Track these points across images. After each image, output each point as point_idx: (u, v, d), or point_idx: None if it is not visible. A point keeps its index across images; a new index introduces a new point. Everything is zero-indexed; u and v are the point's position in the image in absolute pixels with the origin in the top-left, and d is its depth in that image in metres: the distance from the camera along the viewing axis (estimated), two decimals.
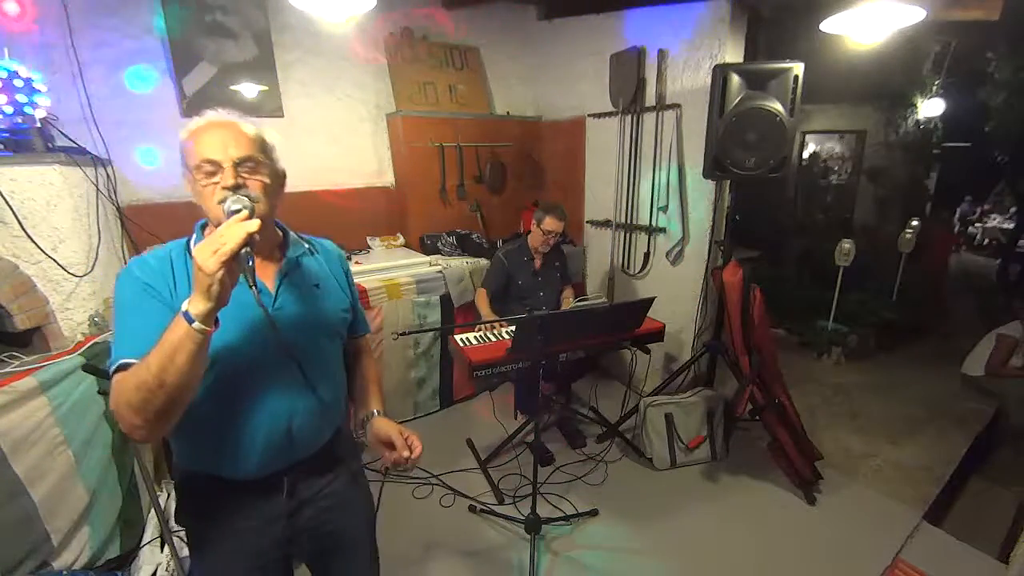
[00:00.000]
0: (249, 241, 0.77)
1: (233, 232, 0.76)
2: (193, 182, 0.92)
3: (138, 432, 0.83)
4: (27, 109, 1.85)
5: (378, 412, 1.22)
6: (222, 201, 0.87)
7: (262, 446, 0.99)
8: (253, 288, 0.81)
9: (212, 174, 0.90)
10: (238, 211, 0.83)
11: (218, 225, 0.89)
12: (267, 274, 1.00)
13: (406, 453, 1.11)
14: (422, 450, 1.14)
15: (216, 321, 0.80)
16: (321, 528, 1.13)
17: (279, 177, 1.00)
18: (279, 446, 1.01)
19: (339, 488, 1.16)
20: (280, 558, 1.10)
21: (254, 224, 0.78)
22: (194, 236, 1.00)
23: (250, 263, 0.80)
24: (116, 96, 2.45)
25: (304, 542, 1.12)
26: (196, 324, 0.76)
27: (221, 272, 0.75)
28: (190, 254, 0.95)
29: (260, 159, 0.94)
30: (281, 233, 1.07)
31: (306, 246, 1.11)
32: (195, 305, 0.76)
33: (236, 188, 0.89)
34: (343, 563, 1.22)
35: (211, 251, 0.74)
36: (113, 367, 0.85)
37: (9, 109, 1.82)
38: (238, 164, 0.91)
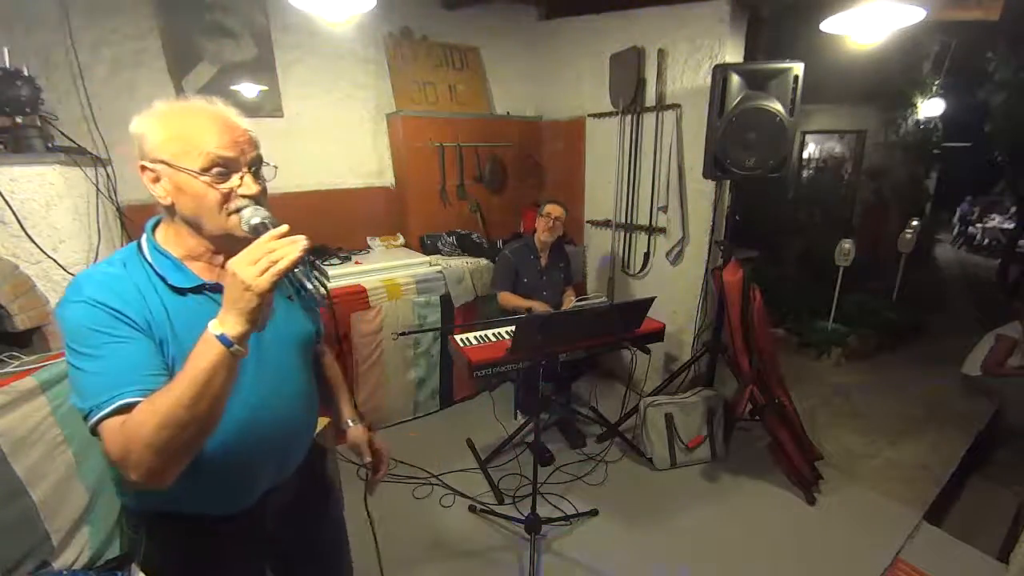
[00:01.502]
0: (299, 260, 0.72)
1: (288, 249, 0.70)
2: (187, 181, 0.79)
3: (157, 477, 0.72)
4: (28, 109, 1.85)
5: (352, 422, 1.22)
6: (236, 211, 0.81)
7: (262, 474, 0.95)
8: (328, 301, 0.77)
9: (225, 176, 0.80)
10: (261, 225, 0.78)
11: (219, 235, 0.83)
12: None
13: (368, 458, 1.18)
14: (385, 472, 1.21)
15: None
16: (298, 539, 1.12)
17: None
18: (274, 472, 0.98)
19: (312, 498, 1.15)
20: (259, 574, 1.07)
21: (304, 240, 0.72)
22: (145, 241, 0.86)
23: (314, 277, 0.80)
24: (116, 96, 2.45)
25: (283, 556, 1.10)
26: (235, 347, 0.70)
27: (270, 292, 0.70)
28: (153, 269, 0.84)
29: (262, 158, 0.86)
30: None
31: None
32: (233, 327, 0.70)
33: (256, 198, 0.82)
34: (320, 571, 1.21)
35: (259, 269, 0.68)
36: (107, 409, 0.72)
37: (13, 109, 1.82)
38: (252, 167, 0.83)
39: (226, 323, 0.70)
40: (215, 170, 0.80)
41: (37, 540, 1.62)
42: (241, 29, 2.77)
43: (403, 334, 1.69)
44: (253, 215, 0.80)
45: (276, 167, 0.88)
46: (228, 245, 0.84)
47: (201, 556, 0.95)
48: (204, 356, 0.70)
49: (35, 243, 1.81)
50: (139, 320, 0.78)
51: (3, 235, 1.77)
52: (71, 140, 2.16)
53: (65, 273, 1.90)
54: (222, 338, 0.70)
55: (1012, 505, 2.47)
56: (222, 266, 0.86)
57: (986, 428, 3.00)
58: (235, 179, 0.82)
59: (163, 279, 0.83)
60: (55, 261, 1.87)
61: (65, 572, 1.65)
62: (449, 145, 3.36)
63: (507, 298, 2.76)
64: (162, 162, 0.80)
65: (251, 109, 2.83)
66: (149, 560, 0.95)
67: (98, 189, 2.16)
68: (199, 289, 0.85)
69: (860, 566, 2.00)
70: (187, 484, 0.79)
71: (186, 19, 2.60)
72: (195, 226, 0.84)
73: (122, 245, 2.41)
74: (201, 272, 0.87)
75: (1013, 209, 8.35)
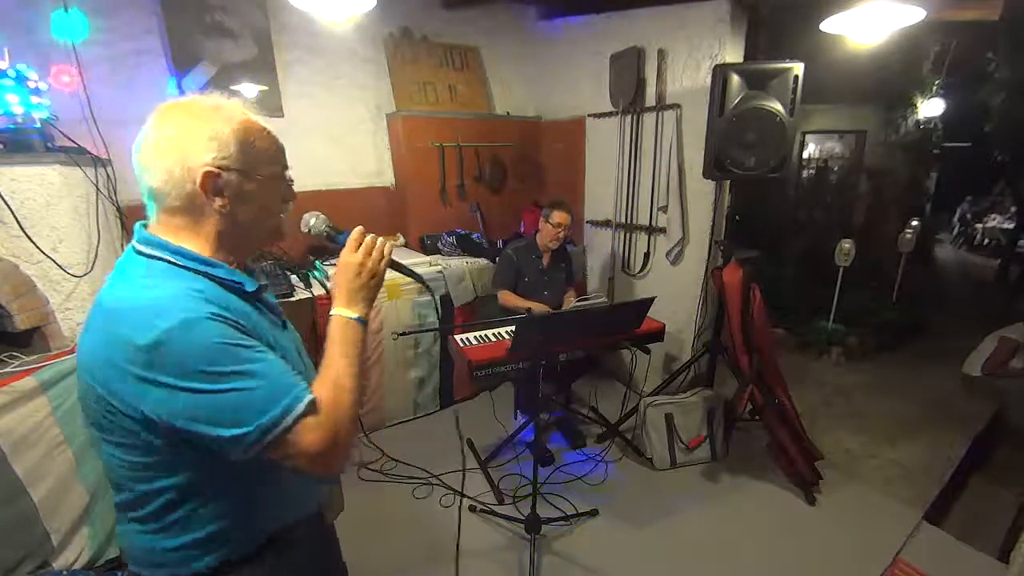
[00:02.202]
0: None
1: (383, 242, 0.91)
2: (259, 188, 0.80)
3: (349, 454, 0.80)
4: (35, 111, 1.85)
5: None
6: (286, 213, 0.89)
7: None
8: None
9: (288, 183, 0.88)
10: (331, 229, 0.96)
11: (266, 237, 0.88)
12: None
13: None
14: None
15: None
16: (329, 534, 1.13)
17: None
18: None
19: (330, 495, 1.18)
20: None
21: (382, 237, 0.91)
22: (178, 255, 0.77)
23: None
24: (116, 96, 2.45)
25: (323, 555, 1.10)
26: (366, 328, 0.87)
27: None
28: (215, 278, 0.79)
29: None
30: None
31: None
32: (363, 310, 0.87)
33: None
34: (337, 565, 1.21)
35: (376, 259, 0.89)
36: (298, 410, 0.71)
37: (12, 109, 1.82)
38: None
39: (357, 308, 0.86)
40: (287, 176, 0.87)
41: (37, 540, 1.62)
42: (241, 29, 2.77)
43: (403, 334, 1.69)
44: (320, 222, 0.95)
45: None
46: (258, 250, 0.98)
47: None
48: (353, 334, 0.84)
49: (34, 243, 1.81)
50: (248, 328, 0.77)
51: (3, 235, 1.76)
52: (71, 140, 2.15)
53: (65, 273, 1.90)
54: (360, 320, 0.86)
55: (1012, 505, 2.47)
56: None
57: (986, 428, 3.00)
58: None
59: (237, 287, 0.81)
60: (54, 261, 1.87)
61: (65, 572, 1.65)
62: (449, 145, 3.36)
63: (507, 297, 2.76)
64: (236, 170, 0.77)
65: (251, 109, 2.83)
66: None
67: (98, 189, 2.16)
68: (258, 293, 0.86)
69: (860, 566, 2.00)
70: (297, 487, 0.88)
71: (186, 19, 2.60)
72: (243, 234, 0.82)
73: (122, 245, 2.41)
74: None
75: (1013, 209, 8.34)
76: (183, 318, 0.68)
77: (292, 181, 0.88)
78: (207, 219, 0.79)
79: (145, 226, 0.81)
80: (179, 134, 0.75)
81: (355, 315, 0.84)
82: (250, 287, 0.83)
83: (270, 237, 0.88)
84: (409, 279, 1.10)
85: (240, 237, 0.83)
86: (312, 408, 0.73)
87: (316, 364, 0.87)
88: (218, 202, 0.77)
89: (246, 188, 0.79)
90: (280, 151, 0.85)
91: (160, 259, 0.76)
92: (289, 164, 0.88)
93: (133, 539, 0.80)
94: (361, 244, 0.89)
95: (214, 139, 0.76)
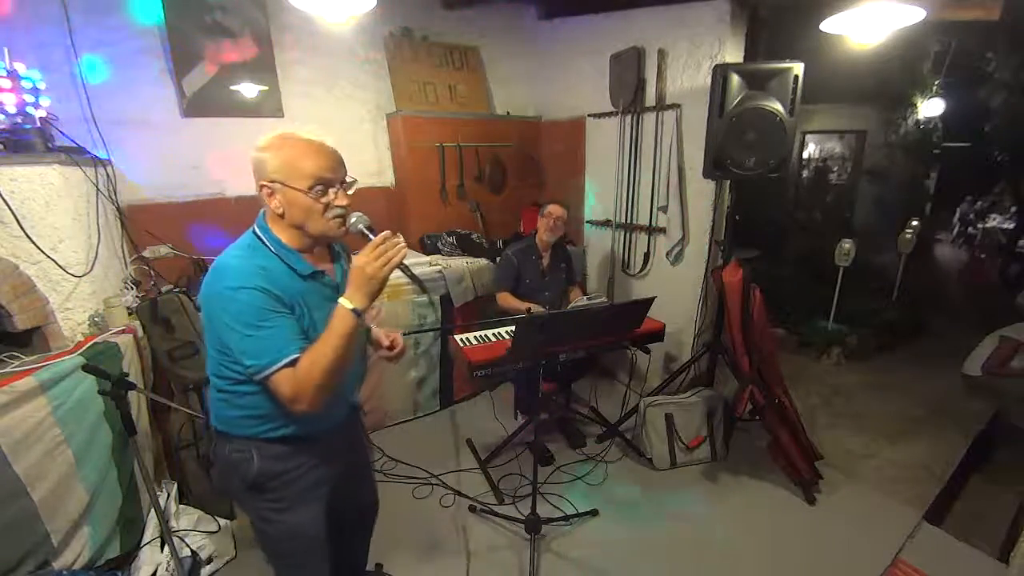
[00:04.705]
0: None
1: (396, 251, 1.03)
2: (296, 196, 1.06)
3: (315, 406, 1.04)
4: (30, 109, 1.85)
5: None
6: (339, 216, 1.10)
7: (344, 400, 1.30)
8: (426, 292, 1.22)
9: (324, 192, 1.08)
10: (368, 229, 1.10)
11: (319, 235, 1.12)
12: (329, 267, 1.22)
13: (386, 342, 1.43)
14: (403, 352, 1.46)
15: None
16: (357, 453, 1.49)
17: None
18: (347, 400, 1.32)
19: (360, 427, 1.51)
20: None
21: (403, 242, 1.05)
22: (265, 237, 1.11)
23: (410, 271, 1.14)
24: (116, 96, 2.45)
25: (348, 465, 1.40)
26: (362, 316, 1.03)
27: (387, 280, 1.03)
28: (282, 260, 1.10)
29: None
30: None
31: None
32: (361, 303, 1.03)
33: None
34: (363, 483, 1.57)
35: (380, 264, 1.01)
36: (282, 363, 1.02)
37: (13, 109, 1.82)
38: (346, 185, 1.12)
39: (355, 300, 1.03)
40: (317, 187, 1.06)
41: (37, 540, 1.62)
42: (241, 29, 2.76)
43: (404, 334, 1.69)
44: (358, 221, 1.11)
45: (356, 179, 1.15)
46: (325, 242, 1.19)
47: (305, 460, 1.23)
48: (344, 323, 1.02)
49: (35, 243, 1.81)
50: (287, 301, 1.07)
51: (3, 235, 1.76)
52: (71, 140, 2.15)
53: (65, 273, 1.90)
54: (355, 311, 1.02)
55: (1012, 505, 2.47)
56: (320, 258, 1.20)
57: (986, 428, 3.00)
58: (331, 193, 1.09)
59: (293, 268, 1.11)
60: (54, 261, 1.87)
61: (65, 572, 1.65)
62: (449, 145, 3.37)
63: (506, 299, 2.75)
64: (278, 183, 1.06)
65: (251, 109, 2.84)
66: (262, 482, 1.19)
67: (98, 189, 2.16)
68: (313, 275, 1.15)
69: (860, 566, 2.00)
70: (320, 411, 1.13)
71: (186, 19, 2.60)
72: (301, 229, 1.11)
73: (122, 245, 2.41)
74: (310, 262, 1.15)
75: (1013, 209, 8.33)
76: (238, 284, 1.01)
77: (338, 195, 1.09)
78: (277, 217, 1.10)
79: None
80: (256, 158, 1.08)
81: (350, 306, 1.02)
82: (303, 271, 1.12)
83: (325, 234, 1.12)
84: (410, 281, 1.20)
85: (298, 230, 1.11)
86: (289, 366, 1.02)
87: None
88: (274, 205, 1.08)
89: (287, 196, 1.07)
90: (316, 170, 1.06)
91: (259, 238, 1.11)
92: (345, 178, 1.12)
93: (217, 406, 1.20)
94: (375, 249, 1.04)
95: (266, 160, 1.06)
